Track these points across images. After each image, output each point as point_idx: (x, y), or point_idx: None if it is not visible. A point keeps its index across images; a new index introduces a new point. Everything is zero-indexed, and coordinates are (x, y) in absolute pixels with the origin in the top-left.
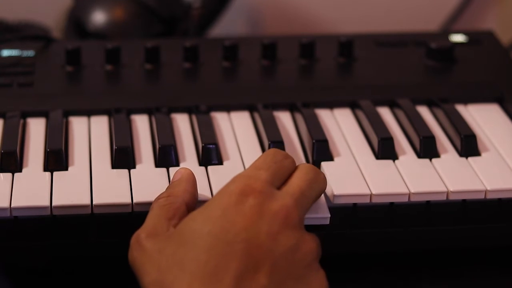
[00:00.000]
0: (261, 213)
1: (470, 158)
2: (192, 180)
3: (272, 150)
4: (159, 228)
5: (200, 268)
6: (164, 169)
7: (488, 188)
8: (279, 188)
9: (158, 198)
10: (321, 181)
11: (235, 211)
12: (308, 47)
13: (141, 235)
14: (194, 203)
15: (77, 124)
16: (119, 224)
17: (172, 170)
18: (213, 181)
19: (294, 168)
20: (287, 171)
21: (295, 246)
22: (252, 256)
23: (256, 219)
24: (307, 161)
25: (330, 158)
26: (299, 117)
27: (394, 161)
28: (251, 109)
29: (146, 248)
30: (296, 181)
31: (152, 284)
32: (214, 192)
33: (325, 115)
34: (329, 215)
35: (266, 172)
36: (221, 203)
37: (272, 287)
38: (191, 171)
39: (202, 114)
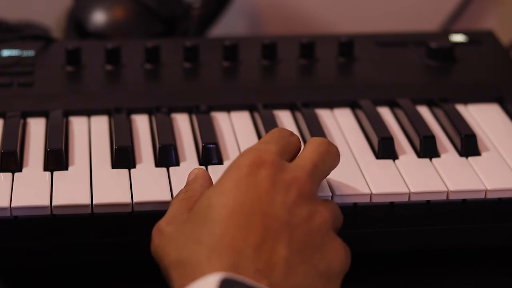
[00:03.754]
0: (274, 183)
1: (470, 158)
2: (207, 177)
3: (278, 128)
4: (179, 216)
5: (217, 241)
6: (164, 169)
7: (488, 188)
8: (289, 162)
9: (177, 194)
10: (334, 153)
11: (247, 182)
12: (308, 47)
13: (162, 223)
14: None
15: (77, 124)
16: (119, 224)
17: (172, 169)
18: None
19: (300, 146)
20: (294, 147)
21: (309, 217)
22: (269, 226)
23: (270, 189)
24: None
25: None
26: (299, 117)
27: (394, 161)
28: (251, 109)
29: (165, 232)
30: (308, 154)
31: (171, 263)
32: None
33: (325, 115)
34: (331, 194)
35: (275, 145)
36: (232, 176)
37: (292, 256)
38: (205, 170)
39: (202, 114)
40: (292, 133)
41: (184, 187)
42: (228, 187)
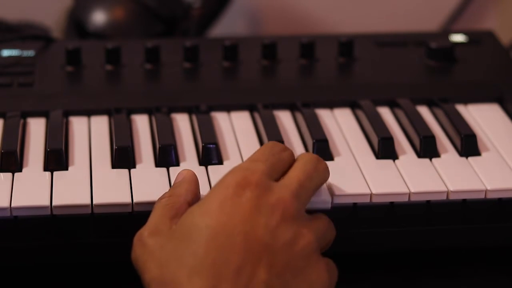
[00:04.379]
0: (258, 206)
1: (470, 158)
2: (194, 181)
3: (271, 142)
4: (161, 226)
5: (198, 262)
6: (164, 169)
7: (488, 188)
8: (277, 180)
9: (160, 198)
10: (322, 170)
11: (232, 203)
12: (308, 47)
13: (144, 233)
14: (196, 202)
15: (77, 124)
16: (119, 224)
17: (172, 169)
18: (213, 181)
19: (293, 160)
20: (285, 164)
21: (293, 239)
22: (250, 249)
23: (253, 212)
24: None
25: (330, 158)
26: (299, 117)
27: (394, 161)
28: (251, 109)
29: (148, 245)
30: (295, 173)
31: (153, 280)
32: None
33: (325, 115)
34: (330, 199)
35: (263, 164)
36: (218, 196)
37: (272, 280)
38: (193, 172)
39: (202, 114)
40: (284, 148)
41: (169, 190)
42: (213, 207)
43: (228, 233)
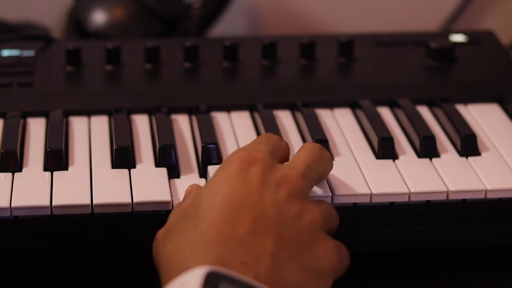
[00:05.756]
0: (264, 181)
1: (470, 158)
2: None
3: (267, 133)
4: (173, 223)
5: (202, 234)
6: (164, 169)
7: (488, 188)
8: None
9: (173, 209)
10: (326, 158)
11: (237, 179)
12: (308, 47)
13: (158, 234)
14: None
15: (77, 124)
16: (119, 224)
17: (172, 169)
18: None
19: (289, 151)
20: (283, 151)
21: (299, 214)
22: (257, 222)
23: (260, 186)
24: None
25: None
26: (299, 117)
27: (394, 161)
28: (251, 109)
29: (160, 238)
30: (301, 156)
31: (160, 260)
32: None
33: (325, 115)
34: (331, 194)
35: (265, 145)
36: (223, 174)
37: (279, 252)
38: (199, 186)
39: (202, 114)
40: (280, 138)
41: (179, 202)
42: (218, 184)
43: (234, 207)
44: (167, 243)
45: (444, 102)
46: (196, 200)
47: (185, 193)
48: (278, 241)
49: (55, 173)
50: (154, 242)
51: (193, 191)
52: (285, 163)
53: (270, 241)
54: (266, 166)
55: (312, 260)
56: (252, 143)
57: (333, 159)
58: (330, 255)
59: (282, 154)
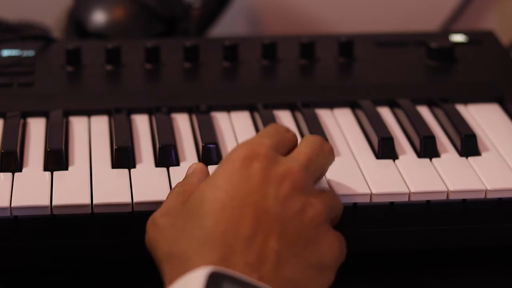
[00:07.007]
0: (266, 177)
1: (470, 158)
2: (206, 172)
3: (274, 123)
4: (173, 209)
5: (207, 234)
6: (164, 169)
7: (488, 188)
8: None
9: (174, 187)
10: (328, 150)
11: (240, 175)
12: (308, 47)
13: (156, 215)
14: None
15: (77, 124)
16: (119, 223)
17: (172, 169)
18: None
19: (296, 142)
20: (290, 143)
21: (303, 209)
22: (260, 220)
23: (262, 182)
24: None
25: None
26: (299, 117)
27: (394, 161)
28: (251, 109)
29: (159, 225)
30: (302, 149)
31: (163, 256)
32: None
33: (325, 115)
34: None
35: (269, 139)
36: (226, 169)
37: (283, 250)
38: (204, 164)
39: (202, 114)
40: (288, 129)
41: (182, 180)
42: (221, 180)
43: (237, 205)
44: (171, 237)
45: (444, 102)
46: (199, 195)
47: (188, 170)
48: (282, 239)
49: (55, 173)
50: (149, 223)
51: (196, 173)
52: (288, 155)
53: (274, 239)
54: (268, 161)
55: (316, 255)
56: (256, 136)
57: None
58: (333, 249)
59: (288, 145)
